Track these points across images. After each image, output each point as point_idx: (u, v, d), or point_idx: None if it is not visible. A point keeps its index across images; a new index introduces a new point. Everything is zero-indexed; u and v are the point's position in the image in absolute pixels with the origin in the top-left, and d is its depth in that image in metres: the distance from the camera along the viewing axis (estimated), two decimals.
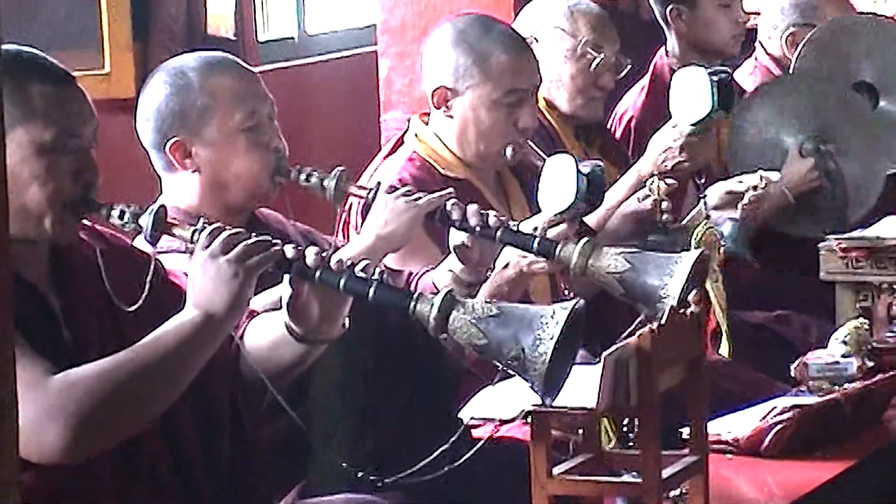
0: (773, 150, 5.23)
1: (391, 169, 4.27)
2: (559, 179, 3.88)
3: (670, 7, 5.58)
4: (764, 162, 5.10)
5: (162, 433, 3.14)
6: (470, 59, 4.29)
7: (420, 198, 3.81)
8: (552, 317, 3.03)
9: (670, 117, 4.68)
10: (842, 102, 5.31)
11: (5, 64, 3.10)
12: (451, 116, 4.31)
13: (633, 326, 3.24)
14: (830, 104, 5.29)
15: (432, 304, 3.06)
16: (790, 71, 5.51)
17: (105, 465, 3.07)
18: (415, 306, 3.08)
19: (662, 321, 3.26)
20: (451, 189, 3.86)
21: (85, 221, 3.19)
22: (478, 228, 3.70)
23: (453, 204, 3.74)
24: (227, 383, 3.24)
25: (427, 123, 4.37)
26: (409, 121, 4.47)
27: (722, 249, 4.26)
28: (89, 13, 5.51)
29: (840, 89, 5.42)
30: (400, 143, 4.41)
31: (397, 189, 3.87)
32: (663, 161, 4.63)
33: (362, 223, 3.92)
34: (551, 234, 3.75)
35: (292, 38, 6.77)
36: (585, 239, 3.63)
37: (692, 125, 4.62)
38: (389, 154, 4.39)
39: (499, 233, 3.69)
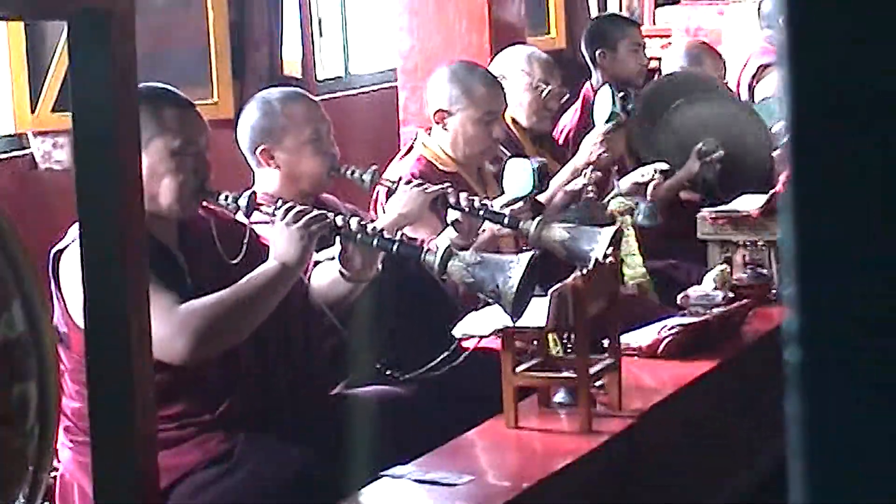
0: (688, 147, 5.15)
1: (405, 166, 4.26)
2: (520, 174, 3.90)
3: (598, 51, 5.57)
4: (683, 152, 5.08)
5: (255, 343, 3.15)
6: (460, 91, 4.28)
7: (428, 188, 3.80)
8: (517, 262, 3.06)
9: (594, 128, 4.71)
10: (742, 122, 5.20)
11: (147, 95, 3.11)
12: (447, 130, 4.29)
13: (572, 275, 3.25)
14: (732, 118, 5.21)
15: (436, 255, 3.09)
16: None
17: (213, 366, 3.09)
18: (424, 256, 3.11)
19: (590, 268, 3.27)
20: (448, 182, 3.88)
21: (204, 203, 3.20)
22: (467, 209, 3.72)
23: (451, 192, 3.76)
24: (300, 310, 3.25)
25: (430, 135, 4.36)
26: (417, 134, 4.47)
27: (635, 214, 4.27)
28: (203, 61, 5.51)
29: (746, 110, 5.35)
30: (411, 148, 4.39)
31: (412, 181, 3.87)
32: (590, 153, 4.63)
33: (386, 202, 3.93)
34: (516, 209, 3.78)
35: (341, 76, 6.77)
36: (540, 217, 3.67)
37: (605, 122, 4.65)
38: (404, 156, 4.37)
39: (481, 212, 3.72)
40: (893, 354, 0.66)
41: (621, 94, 4.67)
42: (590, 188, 4.42)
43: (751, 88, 6.29)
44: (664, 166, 4.77)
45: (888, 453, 0.68)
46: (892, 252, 0.65)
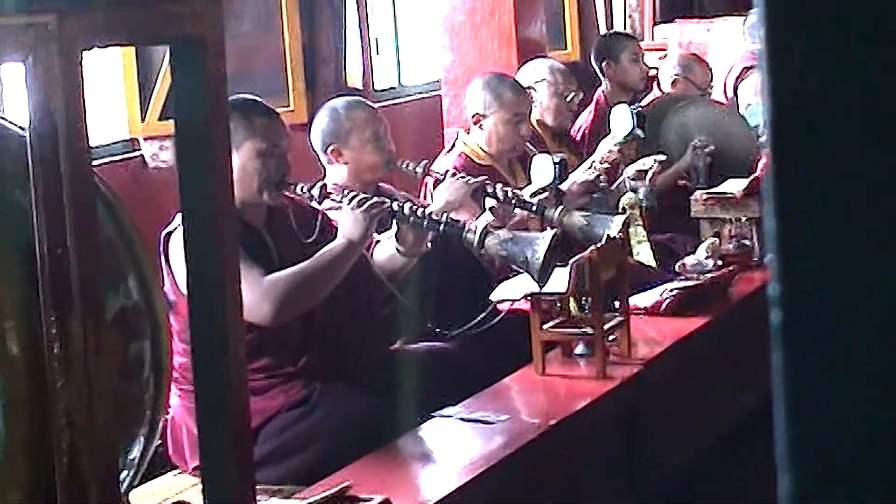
0: (684, 143, 5.11)
1: (448, 161, 4.24)
2: (544, 168, 3.89)
3: (604, 62, 5.54)
4: (680, 148, 5.04)
5: (328, 307, 3.16)
6: (492, 97, 4.26)
7: (470, 180, 3.80)
8: (542, 238, 3.08)
9: (609, 130, 4.66)
10: (727, 122, 5.14)
11: (241, 105, 3.12)
12: (482, 130, 4.28)
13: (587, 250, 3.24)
14: (718, 120, 5.15)
15: (475, 233, 3.09)
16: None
17: (293, 327, 3.10)
18: (466, 235, 3.12)
19: (602, 243, 3.26)
20: (485, 174, 3.88)
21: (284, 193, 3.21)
22: (502, 198, 3.71)
23: (488, 184, 3.76)
24: (364, 280, 3.25)
25: (468, 134, 4.35)
26: (458, 133, 4.46)
27: (643, 207, 4.26)
28: (280, 75, 5.52)
29: (730, 112, 5.31)
30: (453, 146, 4.38)
31: (456, 174, 3.86)
32: (606, 157, 4.58)
33: (434, 191, 3.93)
34: (542, 199, 3.78)
35: (394, 87, 6.76)
36: (561, 206, 3.67)
37: (624, 138, 4.59)
38: (447, 152, 4.36)
39: (513, 200, 3.71)
40: (862, 317, 0.66)
41: (636, 111, 4.61)
42: (601, 178, 4.39)
43: (735, 88, 6.24)
44: (662, 157, 4.75)
45: (856, 402, 0.68)
46: (860, 226, 0.64)
